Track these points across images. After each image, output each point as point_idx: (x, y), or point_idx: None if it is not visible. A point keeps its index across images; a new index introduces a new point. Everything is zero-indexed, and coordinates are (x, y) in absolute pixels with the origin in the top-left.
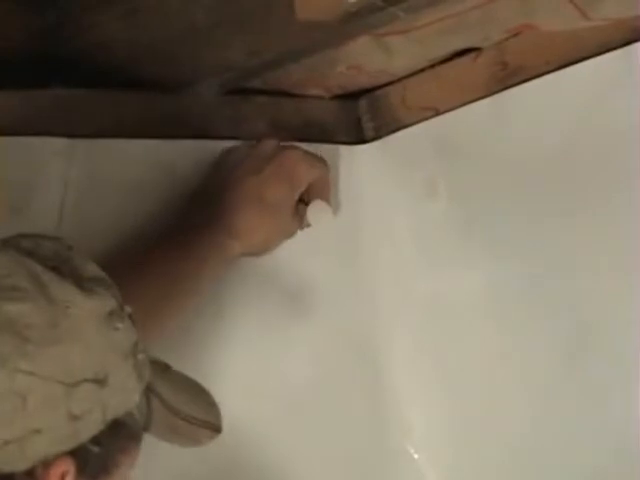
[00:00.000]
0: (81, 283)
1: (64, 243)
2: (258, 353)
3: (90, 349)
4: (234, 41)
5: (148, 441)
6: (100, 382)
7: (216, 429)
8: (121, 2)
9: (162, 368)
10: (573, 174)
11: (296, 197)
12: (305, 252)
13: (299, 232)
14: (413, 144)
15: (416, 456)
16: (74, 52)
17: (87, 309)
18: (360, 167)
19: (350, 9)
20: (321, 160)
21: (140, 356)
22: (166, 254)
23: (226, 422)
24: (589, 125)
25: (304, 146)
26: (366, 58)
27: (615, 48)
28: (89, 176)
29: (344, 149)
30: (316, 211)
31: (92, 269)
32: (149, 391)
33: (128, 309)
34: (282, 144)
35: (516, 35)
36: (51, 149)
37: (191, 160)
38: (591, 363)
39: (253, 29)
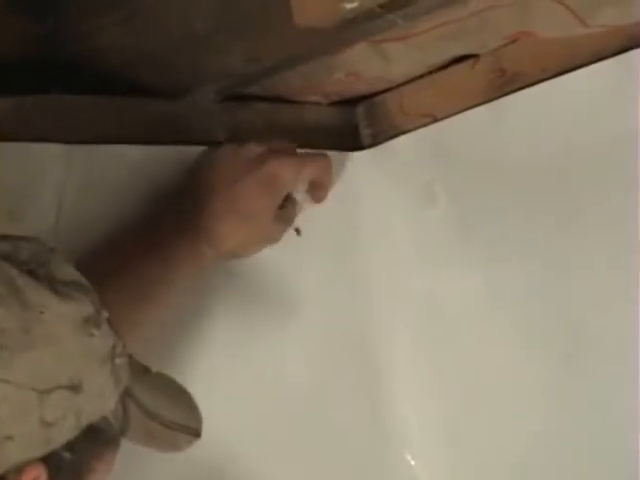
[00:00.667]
0: (57, 287)
1: (45, 245)
2: (252, 355)
3: (65, 355)
4: (232, 48)
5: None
6: (75, 388)
7: (195, 434)
8: (119, 8)
9: (141, 371)
10: (569, 180)
11: (276, 204)
12: (302, 257)
13: (295, 240)
14: (411, 151)
15: (413, 462)
16: (72, 58)
17: (62, 314)
18: (357, 173)
19: (348, 15)
20: (314, 159)
21: (118, 361)
22: (139, 259)
23: (221, 426)
24: (586, 132)
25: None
26: (364, 65)
27: (612, 55)
28: (87, 182)
29: (341, 155)
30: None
31: (70, 273)
32: (126, 395)
33: (105, 314)
34: (268, 149)
35: (514, 42)
36: (49, 155)
37: (189, 166)
38: (589, 365)
39: (251, 36)
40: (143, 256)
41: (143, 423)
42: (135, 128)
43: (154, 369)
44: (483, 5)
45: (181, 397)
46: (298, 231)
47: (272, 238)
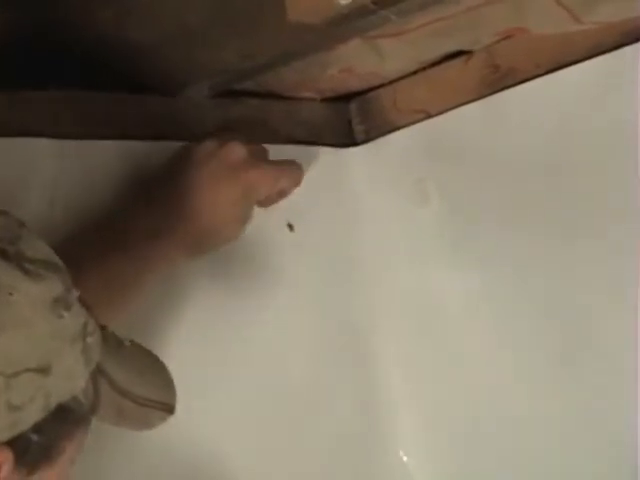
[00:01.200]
0: (27, 266)
1: (15, 220)
2: (244, 350)
3: (33, 337)
4: (227, 43)
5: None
6: (44, 370)
7: (169, 410)
8: (114, 3)
9: (115, 345)
10: (564, 176)
11: (248, 211)
12: (294, 252)
13: (288, 236)
14: (404, 147)
15: (405, 459)
16: (65, 53)
17: (32, 295)
18: (351, 170)
19: (341, 11)
20: (291, 173)
21: (89, 339)
22: (108, 257)
23: (217, 428)
24: (580, 128)
25: (295, 149)
26: (357, 61)
27: (606, 52)
28: (79, 177)
29: (335, 152)
30: None
31: (42, 250)
32: (97, 372)
33: (76, 292)
34: (249, 153)
35: (507, 38)
36: (42, 150)
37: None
38: (584, 367)
39: (246, 32)
40: (112, 253)
41: (114, 401)
42: (128, 123)
43: (129, 340)
44: (477, 1)
45: (155, 371)
46: (291, 227)
47: (233, 239)
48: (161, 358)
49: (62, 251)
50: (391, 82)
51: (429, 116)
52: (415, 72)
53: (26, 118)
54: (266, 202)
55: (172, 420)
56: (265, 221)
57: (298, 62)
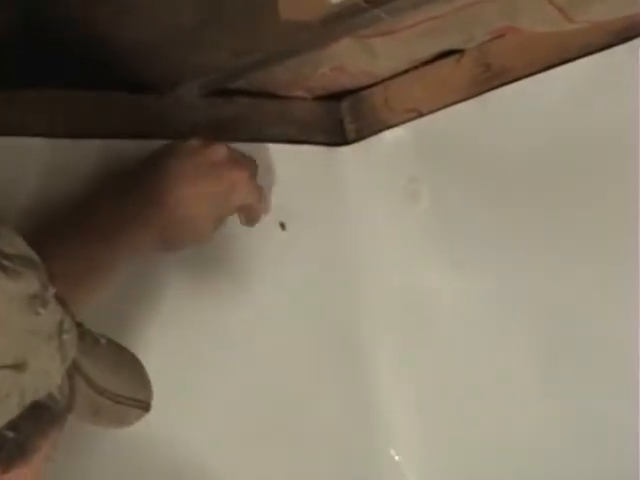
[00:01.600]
0: (4, 263)
1: None
2: (236, 350)
3: (9, 334)
4: (218, 42)
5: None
6: (19, 367)
7: (145, 407)
8: (106, 2)
9: (91, 343)
10: (556, 176)
11: (224, 212)
12: (285, 253)
13: (280, 235)
14: (396, 145)
15: (397, 458)
16: (58, 51)
17: (8, 292)
18: (342, 168)
19: (333, 10)
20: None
21: (65, 336)
22: (81, 241)
23: (204, 420)
24: (572, 127)
25: (286, 148)
26: (349, 59)
27: (597, 51)
28: (73, 176)
29: (326, 150)
30: None
31: (19, 246)
32: (73, 369)
33: (52, 289)
34: (233, 156)
35: (499, 37)
36: (35, 149)
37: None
38: (579, 365)
39: (237, 30)
40: (85, 236)
41: (90, 398)
42: (120, 122)
43: (105, 337)
44: (468, 0)
45: (131, 369)
46: (283, 226)
47: (204, 239)
48: (144, 357)
49: (36, 234)
50: (383, 81)
51: (421, 115)
52: (407, 71)
53: (18, 117)
54: (250, 218)
55: (158, 422)
56: None
57: (290, 60)
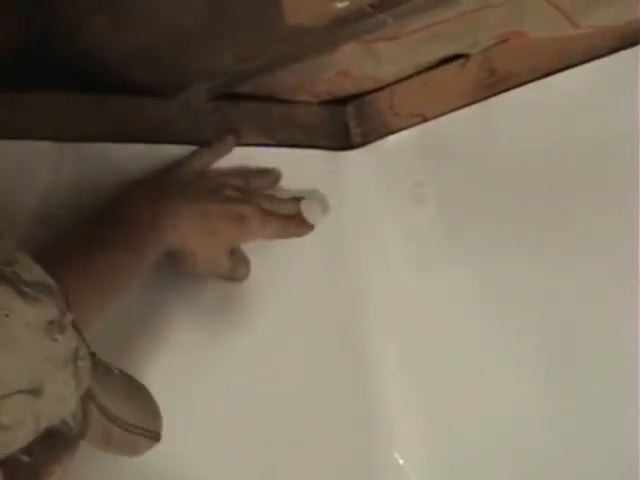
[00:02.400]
0: (23, 288)
1: (11, 243)
2: (239, 354)
3: (26, 359)
4: (224, 46)
5: None
6: (35, 392)
7: (155, 437)
8: (110, 6)
9: (104, 372)
10: (560, 181)
11: (234, 242)
12: (291, 258)
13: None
14: (401, 150)
15: (401, 462)
16: (62, 56)
17: (27, 318)
18: (347, 173)
19: (339, 15)
20: (286, 223)
21: (80, 363)
22: (104, 250)
23: (210, 425)
24: (576, 132)
25: (292, 152)
26: (354, 64)
27: (602, 56)
28: (77, 180)
29: (331, 155)
30: (307, 209)
31: (37, 273)
32: (87, 397)
33: (70, 316)
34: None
35: (504, 42)
36: (39, 153)
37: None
38: (581, 366)
39: (242, 34)
40: (109, 247)
41: (103, 426)
42: (126, 126)
43: (116, 368)
44: (474, 5)
45: (142, 399)
46: None
47: (216, 268)
48: (147, 376)
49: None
50: (388, 85)
51: (425, 120)
52: (412, 76)
53: (24, 121)
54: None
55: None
56: None
57: (295, 65)
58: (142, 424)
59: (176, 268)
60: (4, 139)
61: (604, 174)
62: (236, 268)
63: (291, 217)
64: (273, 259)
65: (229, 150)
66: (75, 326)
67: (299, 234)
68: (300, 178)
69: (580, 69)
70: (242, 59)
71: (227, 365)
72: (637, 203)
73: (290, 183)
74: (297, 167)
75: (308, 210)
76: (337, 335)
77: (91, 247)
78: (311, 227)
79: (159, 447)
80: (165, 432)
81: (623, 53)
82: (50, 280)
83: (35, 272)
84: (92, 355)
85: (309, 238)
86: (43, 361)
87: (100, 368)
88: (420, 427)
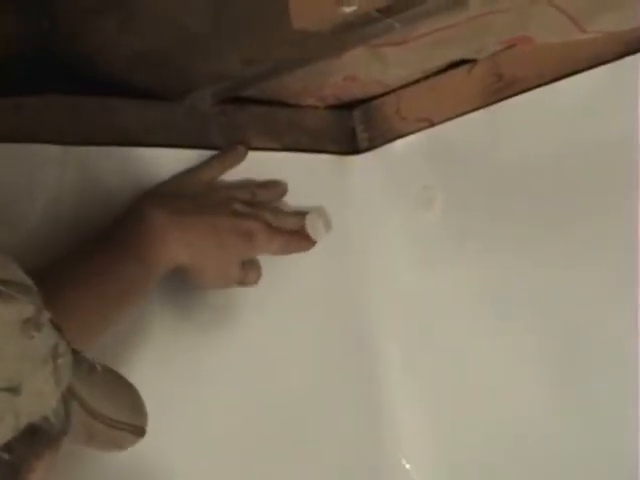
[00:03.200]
0: None
1: None
2: (244, 355)
3: (3, 358)
4: (229, 50)
5: None
6: (13, 390)
7: (139, 432)
8: (115, 10)
9: (87, 369)
10: (566, 185)
11: (242, 256)
12: (296, 262)
13: None
14: (407, 155)
15: (408, 466)
16: (67, 59)
17: (2, 317)
18: (354, 177)
19: (346, 19)
20: (291, 239)
21: (60, 360)
22: (97, 268)
23: (216, 427)
24: (582, 138)
25: (298, 157)
26: (361, 69)
27: (609, 61)
28: (81, 184)
29: (338, 159)
30: (311, 226)
31: (13, 272)
32: (68, 394)
33: (47, 314)
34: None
35: (511, 47)
36: (44, 156)
37: (185, 169)
38: (583, 365)
39: (248, 38)
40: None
41: (85, 422)
42: (131, 130)
43: (100, 364)
44: (481, 10)
45: (126, 395)
46: None
47: (227, 280)
48: (146, 379)
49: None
50: (395, 90)
51: (432, 124)
52: (419, 80)
53: (29, 124)
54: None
55: (156, 444)
56: None
57: (301, 69)
58: (126, 419)
59: (187, 283)
60: (9, 142)
61: (609, 179)
62: (247, 274)
63: (295, 233)
64: (278, 262)
65: (240, 161)
66: (54, 323)
67: (302, 250)
68: (306, 183)
69: (586, 75)
70: (248, 63)
71: (229, 368)
72: None
73: (296, 188)
74: (303, 172)
75: (312, 225)
76: (342, 338)
77: (100, 262)
78: (313, 243)
79: (160, 448)
80: (165, 434)
81: (628, 59)
82: (26, 278)
83: (11, 270)
84: (75, 352)
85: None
86: (20, 359)
87: (83, 365)
88: (427, 432)
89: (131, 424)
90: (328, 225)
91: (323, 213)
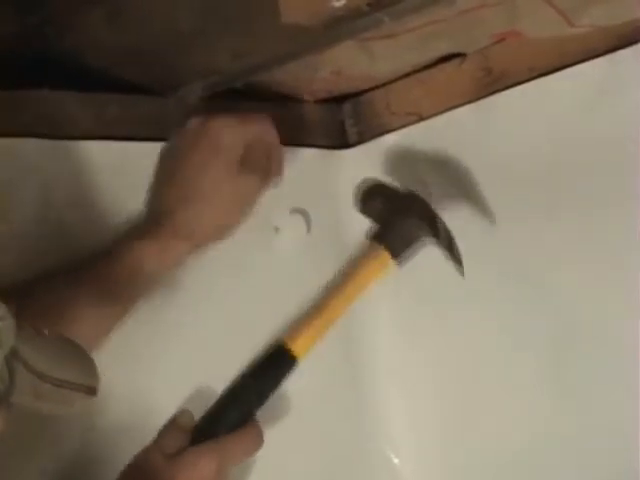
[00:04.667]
0: None
1: None
2: (238, 351)
3: None
4: (219, 44)
5: None
6: None
7: (91, 391)
8: (105, 5)
9: (32, 333)
10: (557, 179)
11: (230, 165)
12: (286, 257)
13: (279, 243)
14: (397, 149)
15: (396, 461)
16: (57, 54)
17: None
18: (343, 171)
19: (335, 13)
20: (254, 119)
21: (0, 324)
22: (99, 269)
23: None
24: (573, 131)
25: (288, 150)
26: (350, 63)
27: (599, 55)
28: (73, 178)
29: (328, 153)
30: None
31: None
32: (12, 356)
33: None
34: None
35: (501, 41)
36: (35, 151)
37: None
38: (581, 359)
39: (238, 33)
40: (104, 267)
41: (31, 383)
42: (122, 125)
43: (48, 330)
44: (471, 4)
45: (76, 356)
46: (277, 230)
47: (248, 198)
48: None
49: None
50: (384, 84)
51: (422, 118)
52: (408, 74)
53: (20, 119)
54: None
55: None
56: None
57: (291, 63)
58: (74, 380)
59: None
60: (3, 137)
61: (602, 173)
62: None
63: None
64: (266, 257)
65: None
66: None
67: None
68: (296, 176)
69: (577, 68)
70: (237, 57)
71: (218, 364)
72: (636, 201)
73: (286, 181)
74: (293, 165)
75: (293, 224)
76: (331, 334)
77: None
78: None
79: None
80: None
81: (620, 52)
82: None
83: None
84: (16, 316)
85: (305, 236)
86: None
87: (27, 329)
88: (415, 426)
89: (80, 384)
90: (309, 226)
91: (304, 213)
